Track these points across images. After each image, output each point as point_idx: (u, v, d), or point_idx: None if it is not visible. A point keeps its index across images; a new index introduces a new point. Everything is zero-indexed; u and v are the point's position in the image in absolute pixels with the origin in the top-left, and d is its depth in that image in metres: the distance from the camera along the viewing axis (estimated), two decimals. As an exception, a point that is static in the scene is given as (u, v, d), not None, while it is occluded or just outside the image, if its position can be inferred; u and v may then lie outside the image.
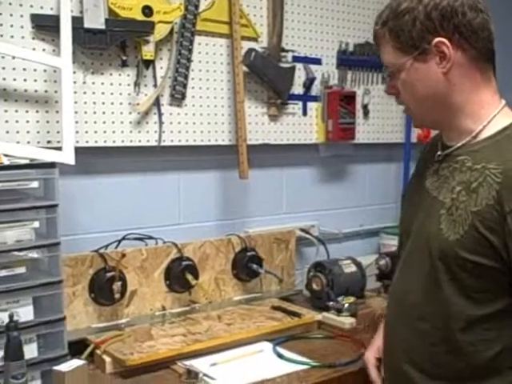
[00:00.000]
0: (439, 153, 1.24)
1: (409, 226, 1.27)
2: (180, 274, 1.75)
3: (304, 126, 2.11)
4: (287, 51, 2.03)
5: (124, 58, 1.70)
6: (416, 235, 1.24)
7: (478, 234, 1.10)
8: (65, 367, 1.28)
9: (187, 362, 1.49)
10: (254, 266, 1.90)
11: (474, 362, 1.15)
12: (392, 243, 2.15)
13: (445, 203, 1.17)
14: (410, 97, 1.20)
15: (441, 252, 1.15)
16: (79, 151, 1.59)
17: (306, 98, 2.11)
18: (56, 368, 1.28)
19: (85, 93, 1.67)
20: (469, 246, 1.11)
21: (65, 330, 1.36)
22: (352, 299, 1.83)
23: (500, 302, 1.13)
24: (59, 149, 1.50)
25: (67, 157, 1.44)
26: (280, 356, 1.57)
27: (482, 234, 1.10)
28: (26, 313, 1.32)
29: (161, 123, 1.78)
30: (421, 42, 1.14)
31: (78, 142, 1.64)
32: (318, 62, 2.13)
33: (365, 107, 2.27)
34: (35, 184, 1.32)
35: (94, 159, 1.74)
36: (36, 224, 1.33)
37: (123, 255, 1.66)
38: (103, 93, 1.70)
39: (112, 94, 1.71)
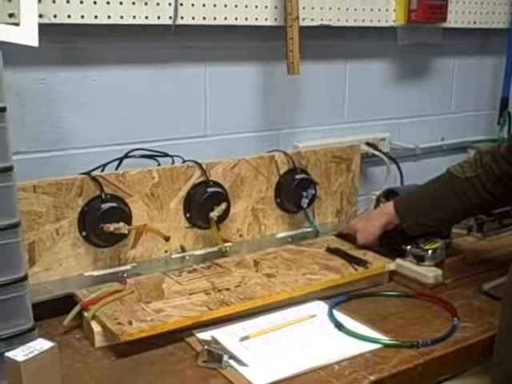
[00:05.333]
0: None
1: None
2: (205, 204, 1.30)
3: (378, 1, 1.54)
4: None
5: None
6: None
7: None
8: (22, 354, 0.86)
9: (207, 335, 1.06)
10: (308, 193, 1.43)
11: None
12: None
13: None
14: None
15: None
16: (59, 30, 1.16)
17: (381, -40, 1.53)
18: (9, 355, 0.86)
19: None
20: None
21: (27, 295, 0.93)
22: (438, 243, 1.34)
23: None
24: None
25: (26, 35, 0.96)
26: (339, 327, 1.12)
27: None
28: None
29: (177, -8, 1.26)
30: None
31: (55, 16, 1.14)
32: None
33: (459, -23, 1.67)
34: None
35: (84, 44, 1.25)
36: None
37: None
38: None
39: None
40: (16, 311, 0.92)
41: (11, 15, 1.09)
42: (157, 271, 1.25)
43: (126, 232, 1.19)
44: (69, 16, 1.16)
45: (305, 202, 1.44)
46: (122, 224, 1.18)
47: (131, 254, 1.27)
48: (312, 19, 1.44)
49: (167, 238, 1.23)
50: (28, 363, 0.86)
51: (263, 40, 1.43)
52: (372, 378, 0.98)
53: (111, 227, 1.18)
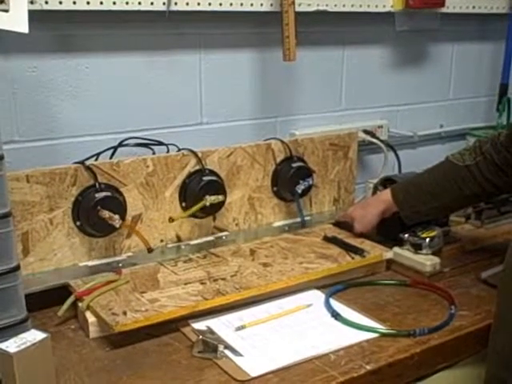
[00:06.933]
0: None
1: None
2: (201, 193, 1.28)
3: (375, -14, 1.53)
4: None
5: None
6: None
7: None
8: (14, 346, 0.85)
9: (203, 325, 1.06)
10: (306, 182, 1.41)
11: None
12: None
13: None
14: None
15: None
16: (51, 17, 1.14)
17: None
18: (1, 347, 0.85)
19: None
20: None
21: (19, 286, 0.92)
22: (435, 231, 1.33)
23: None
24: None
25: (16, 21, 0.94)
26: (336, 316, 1.11)
27: None
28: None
29: (170, -22, 1.24)
30: None
31: (47, 2, 1.12)
32: None
33: (457, -39, 1.65)
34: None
35: (76, 30, 1.23)
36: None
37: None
38: None
39: None
40: (8, 302, 0.91)
41: (0, 1, 1.07)
42: (152, 261, 1.24)
43: (118, 226, 1.17)
44: (60, 2, 1.14)
45: (299, 188, 1.42)
46: (116, 216, 1.16)
47: (126, 244, 1.26)
48: (308, 4, 1.42)
49: (150, 250, 1.21)
50: (20, 355, 0.85)
51: (259, 26, 1.41)
52: (368, 367, 0.97)
53: (106, 214, 1.17)
